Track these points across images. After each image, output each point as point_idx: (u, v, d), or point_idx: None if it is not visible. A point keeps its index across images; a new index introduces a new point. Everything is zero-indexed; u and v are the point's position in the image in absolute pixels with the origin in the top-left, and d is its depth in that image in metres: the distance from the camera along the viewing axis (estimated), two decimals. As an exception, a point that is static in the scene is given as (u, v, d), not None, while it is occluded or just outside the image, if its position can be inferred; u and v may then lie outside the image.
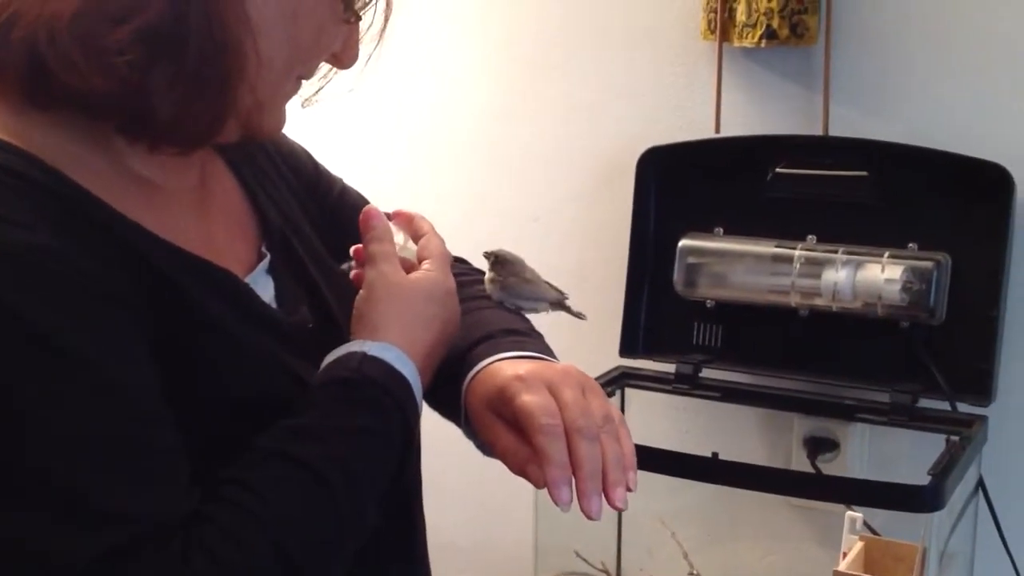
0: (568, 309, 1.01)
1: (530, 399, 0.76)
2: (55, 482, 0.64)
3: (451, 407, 0.86)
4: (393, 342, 0.78)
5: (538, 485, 0.75)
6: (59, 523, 0.63)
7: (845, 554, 1.28)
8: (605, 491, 0.74)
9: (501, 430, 0.79)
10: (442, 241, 0.88)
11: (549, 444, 0.74)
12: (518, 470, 0.77)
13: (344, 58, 0.82)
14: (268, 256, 0.86)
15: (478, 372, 0.83)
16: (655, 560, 1.57)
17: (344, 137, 1.77)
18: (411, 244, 0.88)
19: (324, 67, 0.84)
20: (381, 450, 0.76)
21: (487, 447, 0.82)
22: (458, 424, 0.86)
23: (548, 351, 0.88)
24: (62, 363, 0.65)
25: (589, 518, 0.74)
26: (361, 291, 0.82)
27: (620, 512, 0.75)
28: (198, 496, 0.68)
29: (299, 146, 0.98)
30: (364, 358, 0.77)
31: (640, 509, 1.44)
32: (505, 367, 0.81)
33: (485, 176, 1.76)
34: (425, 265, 0.85)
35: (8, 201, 0.67)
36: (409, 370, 0.78)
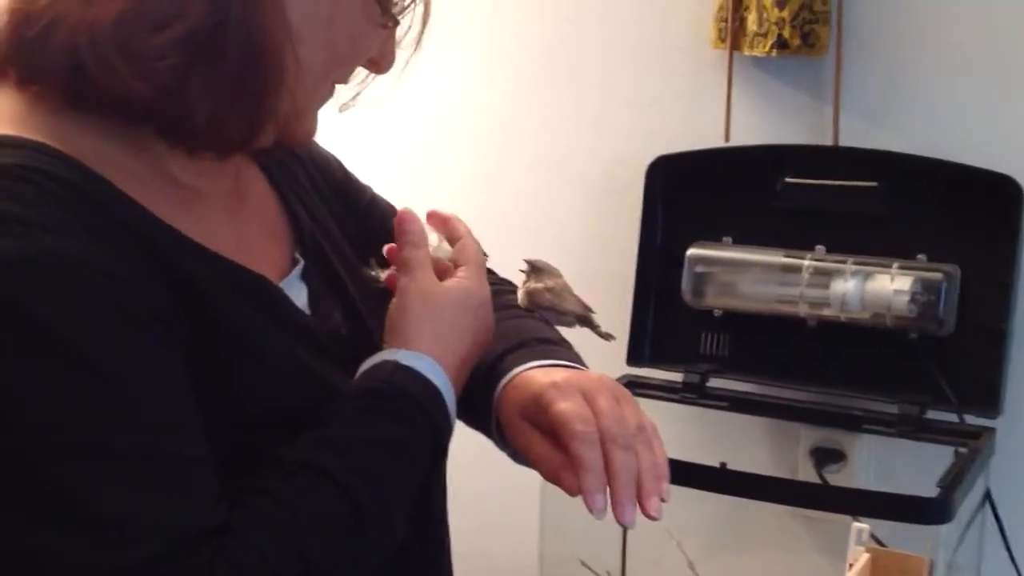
0: (595, 327, 1.01)
1: (566, 406, 0.76)
2: (81, 495, 0.63)
3: (479, 415, 0.86)
4: (426, 352, 0.78)
5: (572, 493, 0.75)
6: (83, 536, 0.63)
7: (851, 565, 1.28)
8: (640, 500, 0.74)
9: (535, 437, 0.79)
10: (478, 246, 0.87)
11: (585, 451, 0.74)
12: (552, 477, 0.77)
13: (382, 63, 0.82)
14: (302, 262, 0.86)
15: (511, 379, 0.83)
16: (660, 570, 1.57)
17: (351, 146, 1.78)
18: (445, 245, 0.86)
19: (360, 72, 0.84)
20: (410, 462, 0.75)
21: (519, 455, 0.82)
22: (487, 433, 0.86)
23: (580, 360, 0.88)
24: (87, 374, 0.65)
25: (623, 526, 0.74)
26: (394, 299, 0.82)
27: (653, 520, 0.76)
28: (227, 508, 0.68)
29: (330, 153, 0.98)
30: (396, 368, 0.77)
31: (646, 519, 1.43)
32: (539, 375, 0.81)
33: (494, 184, 1.76)
34: (460, 272, 0.84)
35: (43, 205, 0.67)
36: (442, 381, 0.77)
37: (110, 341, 0.66)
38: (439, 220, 0.88)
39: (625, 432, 0.76)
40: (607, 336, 1.02)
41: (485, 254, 0.89)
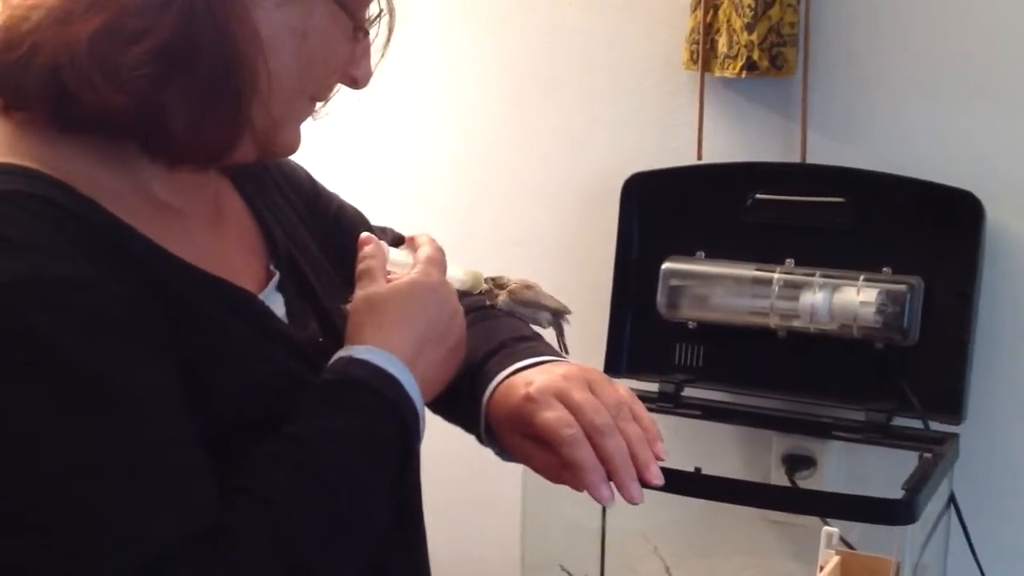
0: (561, 331, 1.04)
1: (546, 416, 0.80)
2: (84, 506, 0.65)
3: (465, 418, 0.90)
4: (379, 346, 0.80)
5: (579, 489, 0.79)
6: (85, 546, 0.65)
7: (822, 567, 1.31)
8: (639, 474, 0.78)
9: (532, 448, 0.83)
10: (434, 246, 0.89)
11: (577, 453, 0.78)
12: (556, 480, 0.82)
13: (358, 78, 0.84)
14: (277, 274, 0.88)
15: (494, 392, 0.86)
16: (638, 574, 1.60)
17: (330, 164, 1.80)
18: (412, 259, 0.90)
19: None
20: (378, 449, 0.77)
21: (507, 454, 0.86)
22: (478, 437, 0.90)
23: (555, 352, 0.92)
24: (89, 389, 0.67)
25: (633, 504, 0.78)
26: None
27: (656, 487, 0.79)
28: (219, 511, 0.70)
29: (297, 165, 1.01)
30: (350, 361, 0.79)
31: (623, 524, 1.46)
32: (517, 385, 0.84)
33: (472, 202, 1.78)
34: (406, 271, 0.87)
35: (40, 229, 0.69)
36: (398, 369, 0.79)
37: (110, 357, 0.68)
38: (409, 241, 0.91)
39: (606, 419, 0.79)
40: (564, 348, 1.04)
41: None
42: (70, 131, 0.75)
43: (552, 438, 0.79)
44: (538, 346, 0.92)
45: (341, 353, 0.80)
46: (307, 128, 0.86)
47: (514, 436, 0.84)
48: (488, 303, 0.99)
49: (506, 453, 0.87)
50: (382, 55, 0.86)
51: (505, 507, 1.53)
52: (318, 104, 0.86)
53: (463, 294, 0.95)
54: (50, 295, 0.67)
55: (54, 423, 0.66)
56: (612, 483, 0.78)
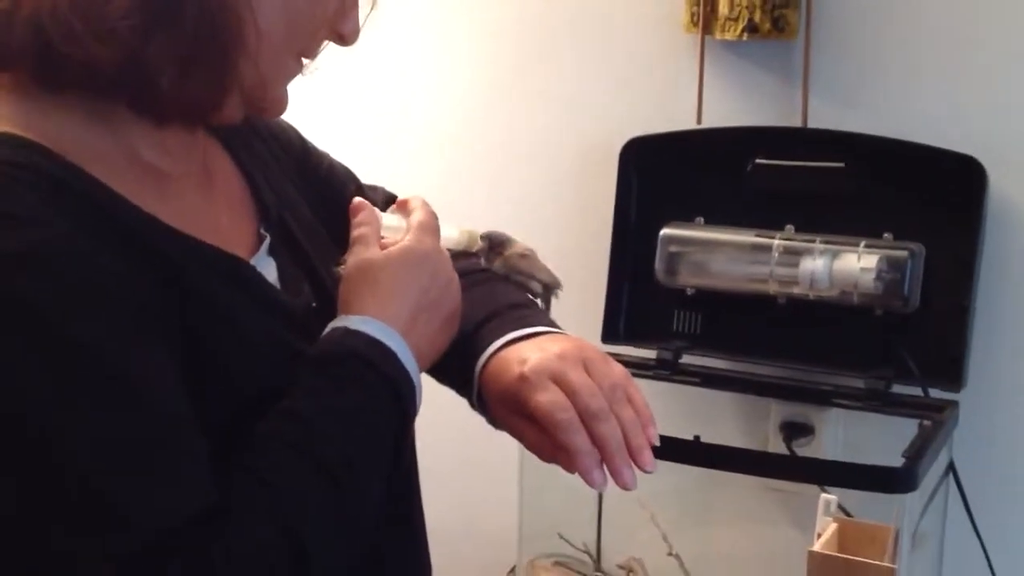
0: (549, 302, 1.03)
1: (541, 399, 0.78)
2: (81, 484, 0.64)
3: (459, 384, 0.89)
4: (372, 315, 0.78)
5: (570, 471, 0.78)
6: (86, 526, 0.64)
7: (819, 535, 1.31)
8: (632, 458, 0.78)
9: (525, 426, 0.81)
10: (426, 211, 0.88)
11: (570, 438, 0.77)
12: (549, 459, 0.81)
13: (346, 34, 0.83)
14: (268, 237, 0.87)
15: (487, 363, 0.85)
16: (635, 541, 1.60)
17: (324, 128, 1.79)
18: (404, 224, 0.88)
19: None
20: (373, 423, 0.76)
21: (497, 423, 0.85)
22: (470, 403, 0.89)
23: (550, 321, 0.90)
24: (85, 365, 0.66)
25: (626, 489, 0.77)
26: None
27: (648, 473, 0.79)
28: (217, 491, 0.69)
29: (287, 124, 0.99)
30: (346, 333, 0.77)
31: (621, 492, 1.46)
32: (511, 361, 0.83)
33: (468, 167, 1.77)
34: (399, 236, 0.85)
35: (25, 198, 0.68)
36: (395, 341, 0.78)
37: (102, 331, 0.67)
38: (401, 205, 0.89)
39: (601, 403, 0.78)
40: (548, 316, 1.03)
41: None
42: (55, 90, 0.73)
43: (546, 421, 0.78)
44: (534, 315, 0.91)
45: (336, 323, 0.79)
46: (297, 88, 0.85)
47: (507, 412, 0.83)
48: (483, 265, 0.98)
49: (497, 423, 0.86)
50: (371, 9, 0.85)
51: (503, 475, 1.52)
52: (306, 62, 0.84)
53: (458, 255, 0.94)
54: (40, 268, 0.66)
55: (49, 399, 0.65)
56: (605, 467, 0.78)
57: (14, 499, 0.65)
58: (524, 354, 0.82)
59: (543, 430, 0.79)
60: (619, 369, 0.82)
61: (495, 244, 0.98)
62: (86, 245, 0.68)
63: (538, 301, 1.00)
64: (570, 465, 0.78)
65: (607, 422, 0.77)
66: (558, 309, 1.04)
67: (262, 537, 0.67)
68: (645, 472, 0.78)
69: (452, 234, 0.95)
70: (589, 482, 0.77)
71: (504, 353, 0.84)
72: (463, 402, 0.91)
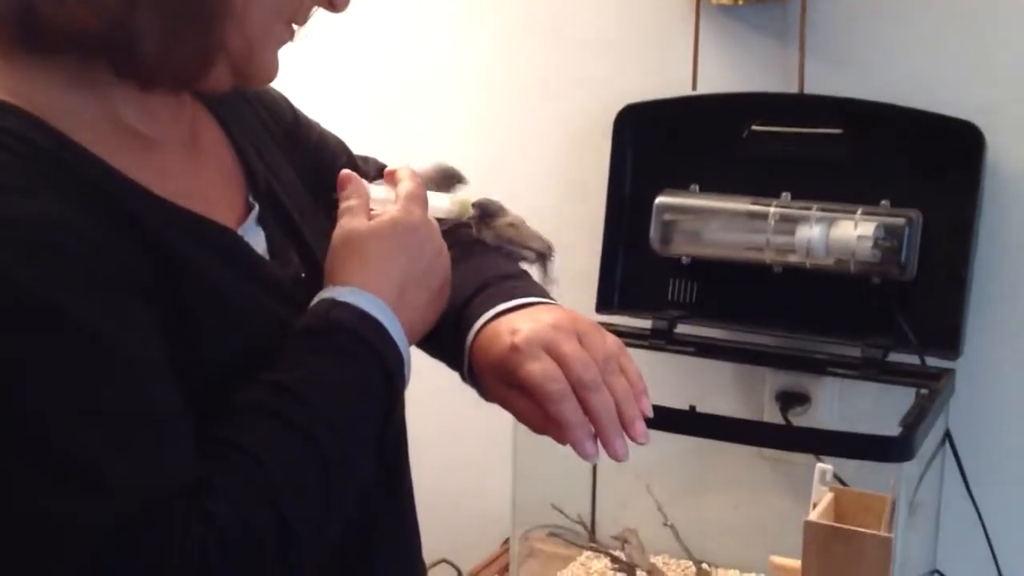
0: (547, 268, 1.01)
1: (532, 369, 0.77)
2: (65, 454, 0.63)
3: (449, 357, 0.87)
4: (360, 286, 0.77)
5: (562, 443, 0.77)
6: (71, 495, 0.63)
7: (815, 505, 1.31)
8: (625, 430, 0.77)
9: (515, 397, 0.80)
10: (414, 181, 0.87)
11: (562, 409, 0.76)
12: (540, 431, 0.79)
13: (336, 1, 0.81)
14: (256, 206, 0.86)
15: (478, 334, 0.83)
16: (630, 512, 1.60)
17: (317, 96, 1.77)
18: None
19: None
20: (361, 396, 0.75)
21: (489, 396, 0.84)
22: (461, 376, 0.87)
23: (543, 292, 0.89)
24: (69, 336, 0.65)
25: (618, 461, 0.76)
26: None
27: (641, 444, 0.78)
28: (200, 462, 0.68)
29: (278, 93, 0.98)
30: (333, 304, 0.76)
31: (615, 463, 1.45)
32: (502, 332, 0.81)
33: (461, 136, 1.75)
34: (388, 207, 0.84)
35: (7, 165, 0.67)
36: (382, 313, 0.77)
37: (85, 301, 0.66)
38: (389, 175, 0.88)
39: (593, 374, 0.77)
40: (550, 280, 1.02)
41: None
42: (38, 53, 0.72)
43: (538, 392, 0.77)
44: (525, 286, 0.89)
45: (323, 294, 0.78)
46: (287, 57, 0.83)
47: (498, 383, 0.82)
48: (474, 236, 0.96)
49: (489, 395, 0.85)
50: None
51: (496, 447, 1.52)
52: (296, 28, 0.82)
53: (449, 225, 0.92)
54: (20, 236, 0.65)
55: (31, 369, 0.64)
56: (597, 439, 0.77)
57: None
58: (516, 324, 0.81)
59: (534, 401, 0.78)
60: (612, 340, 0.81)
61: (485, 214, 0.96)
62: (68, 212, 0.67)
63: (534, 269, 0.99)
64: (561, 437, 0.77)
65: (599, 393, 0.76)
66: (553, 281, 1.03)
67: (247, 510, 0.67)
68: (638, 444, 0.77)
69: (443, 204, 0.93)
70: (581, 454, 0.76)
71: (495, 324, 0.83)
72: (454, 373, 0.90)
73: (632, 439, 0.77)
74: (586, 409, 0.76)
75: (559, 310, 0.83)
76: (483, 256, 0.95)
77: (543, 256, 0.99)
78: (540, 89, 1.69)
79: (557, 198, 1.69)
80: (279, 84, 0.87)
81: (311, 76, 1.74)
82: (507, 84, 1.71)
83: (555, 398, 0.76)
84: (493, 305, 0.85)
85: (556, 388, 0.76)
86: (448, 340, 0.86)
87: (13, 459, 0.63)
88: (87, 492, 0.63)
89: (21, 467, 0.63)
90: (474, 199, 0.96)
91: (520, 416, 0.81)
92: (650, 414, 0.79)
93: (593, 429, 0.76)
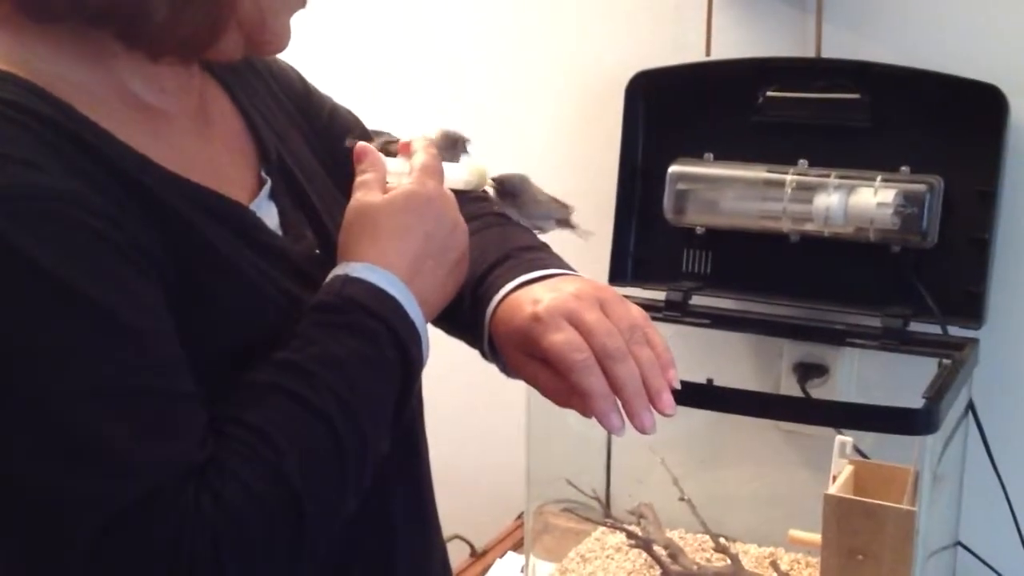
0: (572, 226, 1.00)
1: (555, 339, 0.75)
2: (77, 431, 0.62)
3: (468, 332, 0.85)
4: (374, 261, 0.76)
5: (587, 416, 0.75)
6: (82, 472, 0.62)
7: (835, 478, 1.29)
8: (651, 401, 0.75)
9: (537, 368, 0.78)
10: (429, 152, 0.85)
11: (586, 380, 0.74)
12: (564, 404, 0.77)
13: None
14: (269, 181, 0.84)
15: (498, 306, 0.81)
16: (645, 487, 1.59)
17: (324, 65, 1.74)
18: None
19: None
20: (376, 374, 0.73)
21: (511, 371, 0.82)
22: (482, 353, 0.86)
23: (563, 263, 0.87)
24: (79, 311, 0.64)
25: (644, 433, 0.74)
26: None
27: (668, 416, 0.76)
28: (211, 440, 0.67)
29: (288, 65, 0.96)
30: (347, 280, 0.75)
31: (629, 437, 1.44)
32: (523, 302, 0.79)
33: (473, 104, 1.73)
34: (404, 180, 0.82)
35: (17, 139, 0.65)
36: (398, 289, 0.75)
37: (96, 276, 0.64)
38: (404, 147, 0.86)
39: (618, 343, 0.75)
40: (584, 233, 0.99)
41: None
42: (44, 22, 0.70)
43: (561, 363, 0.75)
44: (545, 257, 0.87)
45: (337, 270, 0.76)
46: (297, 27, 0.81)
47: (519, 356, 0.80)
48: (494, 208, 0.94)
49: (509, 370, 0.83)
50: None
51: (510, 422, 1.50)
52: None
53: (467, 197, 0.89)
54: (27, 209, 0.63)
55: (39, 345, 0.63)
56: (623, 411, 0.75)
57: (8, 446, 0.63)
58: (537, 295, 0.79)
59: (558, 373, 0.76)
60: (637, 310, 0.79)
61: (508, 192, 0.95)
62: (72, 185, 0.65)
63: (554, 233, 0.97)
64: (586, 409, 0.75)
65: (625, 363, 0.74)
66: (566, 251, 1.00)
67: (259, 488, 0.66)
68: (665, 415, 0.75)
69: (460, 175, 0.91)
70: (606, 426, 0.74)
71: (516, 295, 0.81)
72: (467, 347, 0.88)
73: (659, 411, 0.75)
74: (611, 380, 0.74)
75: (581, 280, 0.81)
76: (502, 227, 0.93)
77: (566, 222, 0.97)
78: (551, 55, 1.66)
79: (568, 166, 1.66)
80: (287, 56, 0.85)
81: (319, 46, 1.71)
82: (517, 49, 1.69)
83: (579, 368, 0.74)
84: (514, 276, 0.83)
85: (580, 358, 0.74)
86: (467, 312, 0.85)
87: (22, 434, 0.62)
88: (97, 469, 0.62)
89: (29, 443, 0.62)
90: (492, 172, 0.94)
91: (543, 390, 0.79)
92: (677, 386, 0.76)
93: (618, 401, 0.74)
